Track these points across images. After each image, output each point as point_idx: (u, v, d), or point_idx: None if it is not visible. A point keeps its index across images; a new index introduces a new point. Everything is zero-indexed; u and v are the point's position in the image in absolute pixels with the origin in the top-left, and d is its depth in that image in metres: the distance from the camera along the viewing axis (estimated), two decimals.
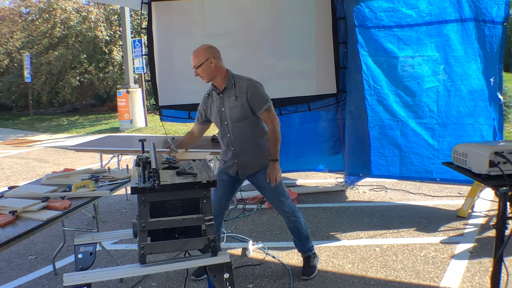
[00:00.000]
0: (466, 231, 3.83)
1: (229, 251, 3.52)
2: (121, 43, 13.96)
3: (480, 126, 4.12)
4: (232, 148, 2.90)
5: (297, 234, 3.11)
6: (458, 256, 3.34)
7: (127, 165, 3.33)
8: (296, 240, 3.15)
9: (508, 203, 2.01)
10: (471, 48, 4.02)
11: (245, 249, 3.56)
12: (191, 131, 3.10)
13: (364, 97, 4.45)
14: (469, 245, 3.53)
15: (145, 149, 2.72)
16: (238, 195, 4.88)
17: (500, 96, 4.03)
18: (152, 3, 4.56)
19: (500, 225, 2.04)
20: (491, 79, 4.00)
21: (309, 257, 3.18)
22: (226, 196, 3.04)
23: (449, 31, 4.08)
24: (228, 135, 2.88)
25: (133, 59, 11.75)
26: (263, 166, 2.88)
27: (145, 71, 11.57)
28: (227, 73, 2.82)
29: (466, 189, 4.57)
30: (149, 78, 4.98)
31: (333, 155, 5.14)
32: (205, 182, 2.01)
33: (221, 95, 2.84)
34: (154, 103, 5.05)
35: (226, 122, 2.85)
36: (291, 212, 3.02)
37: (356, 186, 5.27)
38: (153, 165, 2.04)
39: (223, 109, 2.84)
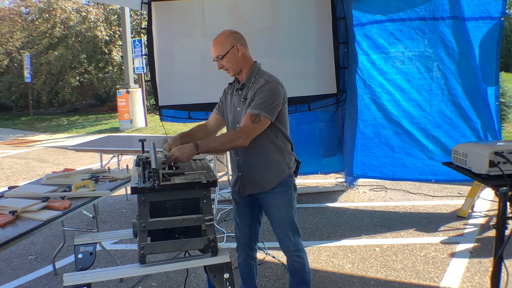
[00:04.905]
0: (466, 231, 3.84)
1: (229, 251, 3.51)
2: (121, 43, 13.97)
3: (476, 126, 4.04)
4: (237, 158, 2.34)
5: (297, 278, 2.47)
6: (458, 256, 3.34)
7: (127, 165, 3.33)
8: (294, 285, 2.51)
9: (508, 203, 2.01)
10: (468, 46, 3.94)
11: None
12: (205, 123, 2.52)
13: (360, 96, 4.38)
14: (469, 245, 3.53)
15: (145, 149, 2.71)
16: None
17: (497, 94, 3.99)
18: (152, 3, 4.56)
19: (500, 225, 2.04)
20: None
21: None
22: (247, 221, 2.53)
23: (445, 28, 3.99)
24: None
25: (133, 59, 11.76)
26: (273, 185, 2.32)
27: (145, 71, 11.58)
28: (253, 65, 2.31)
29: (466, 189, 4.57)
30: (149, 78, 4.98)
31: (329, 157, 5.01)
32: (205, 182, 2.01)
33: (240, 92, 2.30)
34: (154, 103, 5.05)
35: (238, 125, 2.27)
36: (295, 250, 2.42)
37: (356, 186, 5.26)
38: (153, 165, 2.03)
39: (238, 108, 2.29)
